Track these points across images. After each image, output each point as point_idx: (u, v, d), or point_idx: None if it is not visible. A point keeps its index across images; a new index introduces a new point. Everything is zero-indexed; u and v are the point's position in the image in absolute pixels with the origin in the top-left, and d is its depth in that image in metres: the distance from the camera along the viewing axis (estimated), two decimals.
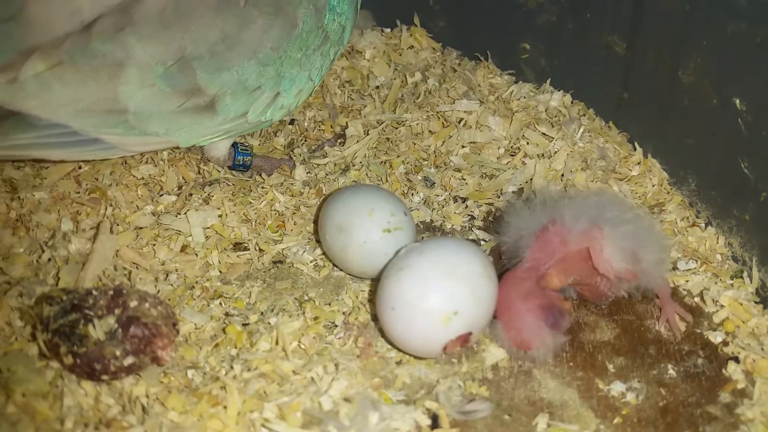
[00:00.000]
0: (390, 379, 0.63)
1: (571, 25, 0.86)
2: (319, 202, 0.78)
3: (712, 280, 0.72)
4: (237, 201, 0.77)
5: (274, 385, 0.61)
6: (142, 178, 0.79)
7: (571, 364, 0.65)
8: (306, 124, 0.89)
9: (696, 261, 0.73)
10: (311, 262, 0.73)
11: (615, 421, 0.61)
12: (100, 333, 0.59)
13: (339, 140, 0.86)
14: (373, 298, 0.69)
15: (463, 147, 0.85)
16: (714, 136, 0.73)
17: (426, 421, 0.60)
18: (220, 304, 0.68)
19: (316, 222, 0.75)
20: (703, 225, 0.76)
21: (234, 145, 0.80)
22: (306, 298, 0.69)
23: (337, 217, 0.69)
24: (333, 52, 0.74)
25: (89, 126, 0.67)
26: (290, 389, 0.61)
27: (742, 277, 0.71)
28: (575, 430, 0.60)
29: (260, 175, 0.82)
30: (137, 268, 0.71)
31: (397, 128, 0.87)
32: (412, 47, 0.98)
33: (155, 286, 0.69)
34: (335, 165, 0.83)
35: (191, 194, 0.78)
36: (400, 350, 0.65)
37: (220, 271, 0.72)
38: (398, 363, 0.65)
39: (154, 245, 0.73)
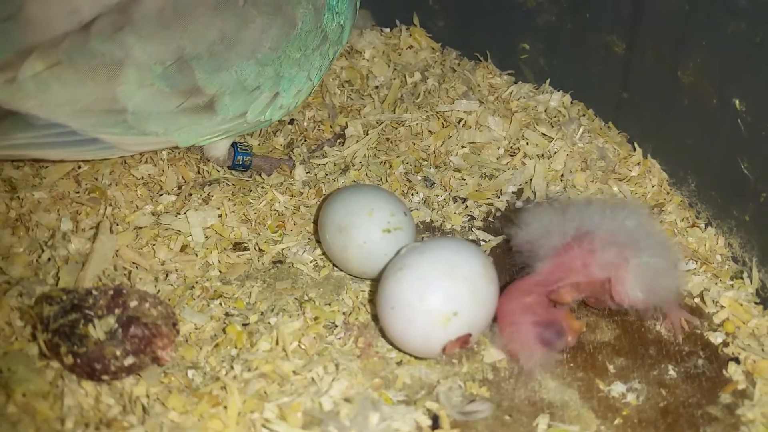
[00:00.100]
0: (390, 380, 0.63)
1: (570, 25, 0.86)
2: (318, 202, 0.78)
3: (712, 280, 0.72)
4: (237, 201, 0.77)
5: (275, 386, 0.61)
6: (142, 178, 0.78)
7: (571, 364, 0.65)
8: (305, 123, 0.89)
9: (696, 262, 0.73)
10: (311, 262, 0.73)
11: (615, 421, 0.61)
12: (100, 333, 0.59)
13: (338, 140, 0.86)
14: (373, 299, 0.69)
15: (462, 147, 0.85)
16: (714, 136, 0.73)
17: (426, 422, 0.60)
18: (220, 304, 0.68)
19: (315, 222, 0.75)
20: (703, 225, 0.76)
21: (233, 144, 0.80)
22: (306, 298, 0.69)
23: (336, 217, 0.69)
24: (332, 51, 0.74)
25: (88, 126, 0.67)
26: (291, 389, 0.61)
27: (742, 278, 0.71)
28: (576, 431, 0.60)
29: (260, 174, 0.81)
30: (137, 267, 0.71)
31: (396, 128, 0.87)
32: (411, 47, 0.98)
33: (155, 286, 0.69)
34: (335, 165, 0.83)
35: (191, 194, 0.78)
36: (400, 350, 0.65)
37: (220, 271, 0.72)
38: (399, 363, 0.65)
39: (153, 245, 0.73)
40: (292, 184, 0.80)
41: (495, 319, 0.65)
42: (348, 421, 0.59)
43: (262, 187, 0.79)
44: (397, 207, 0.70)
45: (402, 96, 0.91)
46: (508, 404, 0.62)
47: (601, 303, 0.67)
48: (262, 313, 0.67)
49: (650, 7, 0.77)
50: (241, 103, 0.70)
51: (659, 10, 0.76)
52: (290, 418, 0.59)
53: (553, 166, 0.82)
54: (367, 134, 0.86)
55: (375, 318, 0.67)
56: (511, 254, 0.71)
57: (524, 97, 0.90)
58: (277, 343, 0.64)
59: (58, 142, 0.67)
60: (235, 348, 0.64)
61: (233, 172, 0.82)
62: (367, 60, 0.96)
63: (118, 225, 0.73)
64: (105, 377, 0.60)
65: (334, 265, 0.73)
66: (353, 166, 0.82)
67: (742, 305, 0.69)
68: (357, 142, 0.85)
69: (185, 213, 0.75)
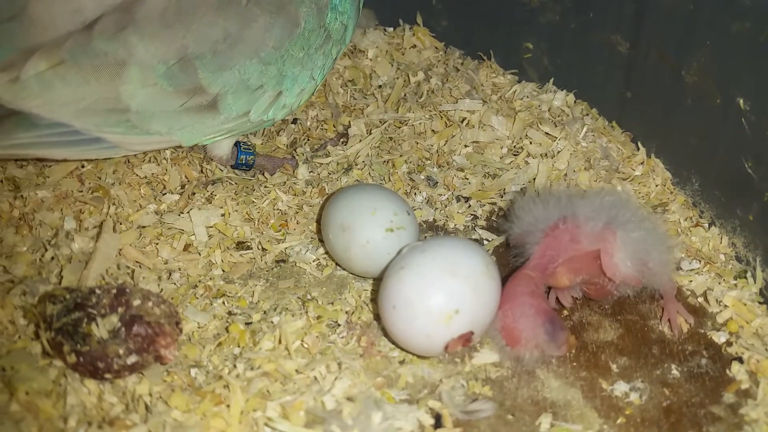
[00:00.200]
0: (393, 379, 0.63)
1: (573, 24, 0.86)
2: (321, 202, 0.78)
3: (715, 280, 0.72)
4: (240, 200, 0.77)
5: (277, 384, 0.61)
6: (145, 177, 0.79)
7: (574, 363, 0.65)
8: (308, 123, 0.89)
9: (699, 261, 0.73)
10: (314, 261, 0.73)
11: (618, 421, 0.61)
12: (103, 332, 0.59)
13: (342, 139, 0.86)
14: (376, 298, 0.69)
15: (465, 146, 0.85)
16: (718, 135, 0.73)
17: (429, 421, 0.60)
18: (223, 303, 0.68)
19: (318, 221, 0.75)
20: (706, 225, 0.76)
21: (237, 144, 0.80)
22: (309, 297, 0.69)
23: (339, 216, 0.69)
24: (335, 51, 0.74)
25: (91, 125, 0.67)
26: (293, 388, 0.61)
27: (745, 277, 0.71)
28: (578, 430, 0.60)
29: (263, 174, 0.82)
30: (140, 266, 0.71)
31: (399, 127, 0.87)
32: (414, 46, 0.98)
33: (158, 285, 0.69)
34: (338, 164, 0.83)
35: (194, 193, 0.78)
36: (402, 349, 0.65)
37: (223, 270, 0.72)
38: (401, 362, 0.65)
39: (157, 244, 0.73)
40: (295, 183, 0.80)
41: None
42: (350, 420, 0.59)
43: (265, 187, 0.79)
44: (400, 206, 0.70)
45: (405, 95, 0.91)
46: (510, 403, 0.62)
47: (601, 291, 0.67)
48: (264, 312, 0.67)
49: (654, 7, 0.77)
50: (244, 102, 0.70)
51: (663, 10, 0.76)
52: (293, 417, 0.59)
53: (557, 165, 0.82)
54: (370, 133, 0.86)
55: (377, 317, 0.67)
56: (510, 251, 0.72)
57: (527, 97, 0.90)
58: (279, 341, 0.65)
59: (62, 142, 0.68)
60: (238, 347, 0.64)
61: (236, 171, 0.82)
62: (371, 59, 0.96)
63: (121, 224, 0.74)
64: (108, 376, 0.60)
65: (336, 264, 0.73)
66: (356, 165, 0.82)
67: (745, 305, 0.69)
68: (360, 141, 0.85)
69: (188, 212, 0.75)
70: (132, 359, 0.60)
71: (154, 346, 0.61)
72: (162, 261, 0.72)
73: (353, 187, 0.73)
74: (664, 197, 0.79)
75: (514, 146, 0.85)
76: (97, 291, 0.62)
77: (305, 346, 0.65)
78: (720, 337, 0.67)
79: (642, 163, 0.83)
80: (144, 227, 0.74)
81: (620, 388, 0.63)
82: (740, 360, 0.65)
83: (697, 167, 0.77)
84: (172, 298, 0.68)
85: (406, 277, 0.61)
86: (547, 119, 0.87)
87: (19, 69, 0.64)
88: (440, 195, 0.80)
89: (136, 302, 0.62)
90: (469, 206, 0.79)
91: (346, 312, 0.68)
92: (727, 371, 0.65)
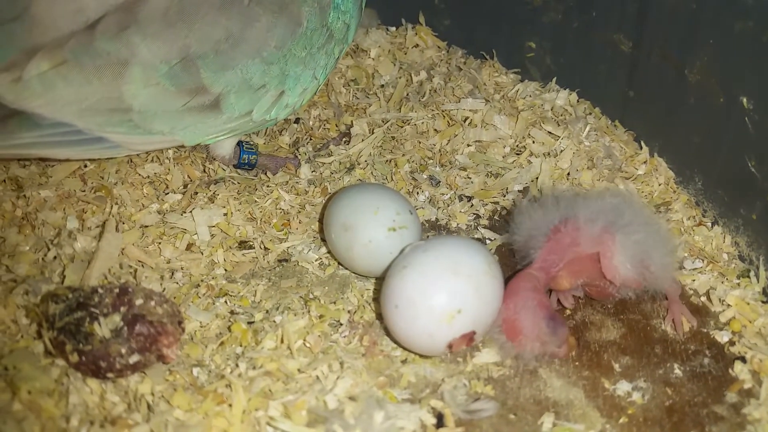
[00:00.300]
0: (395, 378, 0.63)
1: (576, 23, 0.86)
2: (324, 201, 0.78)
3: (718, 279, 0.71)
4: (242, 199, 0.77)
5: (280, 384, 0.61)
6: (148, 177, 0.79)
7: (576, 363, 0.65)
8: (311, 122, 0.89)
9: (702, 260, 0.73)
10: (316, 260, 0.73)
11: (621, 420, 0.61)
12: (105, 331, 0.60)
13: (344, 139, 0.86)
14: (378, 297, 0.69)
15: (468, 146, 0.85)
16: (721, 134, 0.73)
17: (431, 420, 0.60)
18: (226, 302, 0.68)
19: (321, 221, 0.75)
20: (709, 224, 0.76)
21: (239, 143, 0.80)
22: (311, 296, 0.69)
23: (342, 215, 0.69)
24: (338, 50, 0.74)
25: (94, 125, 0.67)
26: (295, 387, 0.61)
27: (748, 277, 0.71)
28: (581, 430, 0.60)
29: (265, 173, 0.82)
30: (143, 266, 0.71)
31: (402, 127, 0.87)
32: (417, 46, 0.98)
33: (161, 284, 0.69)
34: (340, 164, 0.83)
35: (197, 193, 0.78)
36: (404, 348, 0.65)
37: (226, 270, 0.72)
38: (403, 362, 0.65)
39: (159, 243, 0.73)
40: (297, 182, 0.80)
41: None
42: (353, 419, 0.59)
43: (268, 186, 0.79)
44: (403, 206, 0.69)
45: (408, 95, 0.91)
46: (513, 403, 0.62)
47: (602, 292, 0.67)
48: (267, 312, 0.67)
49: (657, 6, 0.77)
50: (246, 101, 0.70)
51: (666, 9, 0.76)
52: (295, 416, 0.59)
53: (560, 164, 0.82)
54: (373, 133, 0.86)
55: (380, 316, 0.67)
56: (516, 256, 0.72)
57: (530, 96, 0.90)
58: (282, 341, 0.65)
59: (64, 141, 0.68)
60: (240, 346, 0.64)
61: (239, 170, 0.82)
62: (373, 59, 0.96)
63: (123, 223, 0.74)
64: (110, 375, 0.60)
65: (339, 263, 0.73)
66: (359, 164, 0.82)
67: (748, 304, 0.69)
68: (362, 140, 0.85)
69: (191, 211, 0.75)
70: (134, 358, 0.60)
71: (157, 345, 0.61)
72: (164, 260, 0.72)
73: (356, 186, 0.73)
74: (667, 196, 0.79)
75: (517, 145, 0.85)
76: (100, 290, 0.62)
77: (307, 345, 0.65)
78: (723, 337, 0.67)
79: (645, 162, 0.82)
80: (146, 227, 0.74)
81: (623, 387, 0.63)
82: (743, 359, 0.65)
83: (700, 166, 0.77)
84: (175, 298, 0.68)
85: (409, 277, 0.61)
86: (550, 118, 0.86)
87: (22, 69, 0.64)
88: (443, 194, 0.80)
89: (139, 301, 0.62)
90: (472, 205, 0.79)
91: (349, 311, 0.68)
92: (730, 371, 0.64)
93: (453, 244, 0.63)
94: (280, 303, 0.68)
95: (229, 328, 0.66)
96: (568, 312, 0.69)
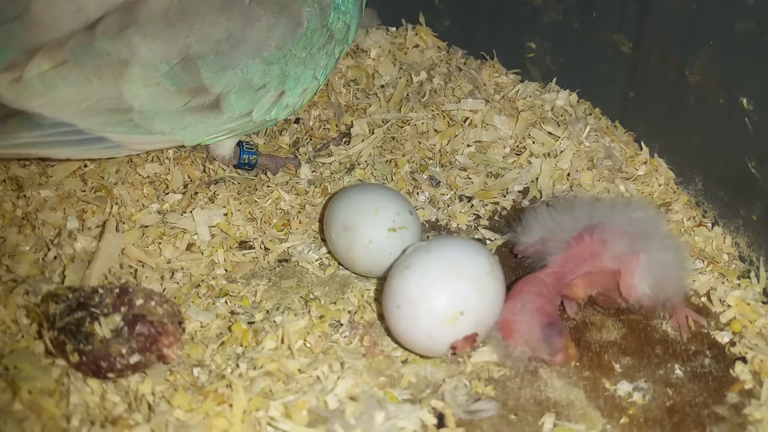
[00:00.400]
0: (396, 378, 0.63)
1: (576, 23, 0.86)
2: (324, 201, 0.78)
3: (719, 280, 0.71)
4: (242, 200, 0.77)
5: (280, 384, 0.61)
6: (148, 177, 0.79)
7: (577, 363, 0.65)
8: (311, 122, 0.89)
9: (703, 261, 0.73)
10: (316, 260, 0.73)
11: (621, 420, 0.61)
12: (106, 331, 0.59)
13: (344, 139, 0.86)
14: (378, 297, 0.69)
15: (468, 146, 0.85)
16: (721, 135, 0.73)
17: (432, 421, 0.60)
18: (226, 302, 0.68)
19: (321, 221, 0.75)
20: (709, 225, 0.76)
21: (239, 143, 0.80)
22: (311, 296, 0.69)
23: (342, 216, 0.69)
24: (338, 50, 0.74)
25: (94, 125, 0.67)
26: (296, 388, 0.61)
27: (749, 277, 0.71)
28: (581, 430, 0.60)
29: (265, 173, 0.82)
30: (143, 266, 0.71)
31: (402, 127, 0.87)
32: (417, 46, 0.98)
33: (161, 285, 0.69)
34: (340, 164, 0.83)
35: (197, 193, 0.78)
36: (405, 349, 0.65)
37: (226, 270, 0.72)
38: (404, 362, 0.65)
39: (159, 243, 0.73)
40: (297, 182, 0.80)
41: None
42: (353, 419, 0.59)
43: (268, 186, 0.79)
44: (403, 206, 0.69)
45: (408, 95, 0.91)
46: (513, 403, 0.62)
47: (610, 301, 0.67)
48: (267, 312, 0.67)
49: (657, 6, 0.77)
50: (246, 101, 0.70)
51: (666, 9, 0.76)
52: (295, 417, 0.59)
53: (560, 165, 0.82)
54: (373, 133, 0.86)
55: (380, 317, 0.67)
56: (515, 257, 0.71)
57: (530, 96, 0.90)
58: (282, 341, 0.64)
59: (64, 141, 0.68)
60: (241, 346, 0.64)
61: (239, 170, 0.82)
62: (373, 59, 0.96)
63: (124, 223, 0.74)
64: (111, 375, 0.60)
65: (339, 263, 0.73)
66: (359, 165, 0.82)
67: (749, 304, 0.69)
68: (362, 141, 0.85)
69: (191, 211, 0.75)
70: (135, 358, 0.60)
71: (157, 345, 0.61)
72: (165, 260, 0.72)
73: (356, 186, 0.73)
74: (667, 197, 0.79)
75: (517, 146, 0.85)
76: (100, 290, 0.62)
77: (308, 345, 0.64)
78: (723, 337, 0.67)
79: (645, 162, 0.82)
80: (147, 227, 0.74)
81: (623, 387, 0.63)
82: (744, 360, 0.65)
83: (701, 167, 0.77)
84: (175, 298, 0.68)
85: (411, 277, 0.61)
86: (550, 119, 0.87)
87: (22, 69, 0.64)
88: (443, 195, 0.80)
89: (139, 301, 0.62)
90: (472, 206, 0.79)
91: (349, 311, 0.68)
92: (731, 371, 0.65)
93: (455, 245, 0.63)
94: (281, 303, 0.68)
95: (229, 329, 0.66)
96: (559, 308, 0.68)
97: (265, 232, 0.75)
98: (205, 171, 0.81)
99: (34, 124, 0.66)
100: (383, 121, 0.87)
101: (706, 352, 0.66)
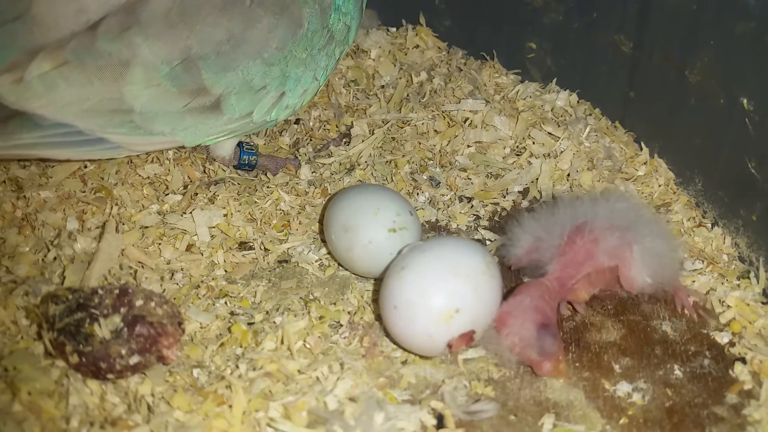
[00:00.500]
0: (395, 379, 0.63)
1: (577, 24, 0.86)
2: (324, 202, 0.78)
3: (718, 280, 0.71)
4: (242, 200, 0.77)
5: (280, 385, 0.61)
6: (148, 178, 0.79)
7: (577, 364, 0.65)
8: (311, 123, 0.89)
9: (702, 261, 0.73)
10: (316, 261, 0.73)
11: (621, 421, 0.61)
12: (105, 332, 0.60)
13: (344, 140, 0.86)
14: (378, 298, 0.69)
15: (468, 146, 0.85)
16: (721, 136, 0.73)
17: (431, 421, 0.60)
18: (226, 303, 0.68)
19: (321, 221, 0.75)
20: (709, 225, 0.76)
21: (239, 144, 0.80)
22: (311, 297, 0.69)
23: (342, 216, 0.69)
24: (338, 51, 0.74)
25: (95, 126, 0.67)
26: (295, 388, 0.61)
27: (748, 278, 0.71)
28: (581, 431, 0.60)
29: (265, 174, 0.82)
30: (143, 267, 0.71)
31: (402, 128, 0.87)
32: (417, 47, 0.98)
33: (161, 285, 0.69)
34: (340, 164, 0.83)
35: (197, 193, 0.78)
36: (404, 349, 0.65)
37: (226, 271, 0.72)
38: (403, 363, 0.65)
39: (159, 244, 0.73)
40: (297, 183, 0.80)
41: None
42: (353, 420, 0.59)
43: (268, 187, 0.79)
44: (403, 206, 0.70)
45: (408, 95, 0.91)
46: (513, 404, 0.62)
47: (611, 295, 0.68)
48: (267, 313, 0.67)
49: (658, 7, 0.77)
50: (247, 102, 0.70)
51: (667, 10, 0.76)
52: (295, 417, 0.59)
53: (560, 165, 0.82)
54: (373, 134, 0.86)
55: (380, 317, 0.67)
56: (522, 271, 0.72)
57: (530, 97, 0.90)
58: (282, 342, 0.64)
59: (65, 142, 0.68)
60: (241, 347, 0.64)
61: (239, 171, 0.82)
62: (373, 59, 0.96)
63: (124, 224, 0.74)
64: (110, 376, 0.60)
65: (339, 264, 0.73)
66: (359, 165, 0.82)
67: (748, 305, 0.69)
68: (362, 141, 0.85)
69: (191, 212, 0.75)
70: (134, 359, 0.60)
71: (157, 346, 0.61)
72: (164, 261, 0.72)
73: (356, 187, 0.73)
74: (667, 197, 0.79)
75: (517, 146, 0.85)
76: (100, 291, 0.62)
77: (307, 346, 0.65)
78: (723, 338, 0.67)
79: (645, 163, 0.82)
80: (146, 227, 0.74)
81: (623, 388, 0.63)
82: (743, 360, 0.65)
83: (701, 167, 0.77)
84: (175, 299, 0.68)
85: (407, 277, 0.61)
86: (550, 119, 0.86)
87: (23, 69, 0.64)
88: (443, 195, 0.80)
89: (139, 302, 0.62)
90: (472, 206, 0.79)
91: (349, 312, 0.68)
92: (730, 372, 0.64)
93: (451, 245, 0.63)
94: (280, 304, 0.68)
95: (229, 329, 0.66)
96: (568, 312, 0.69)
97: (265, 233, 0.75)
98: (205, 172, 0.81)
99: (34, 125, 0.66)
100: (383, 122, 0.87)
101: (705, 352, 0.66)
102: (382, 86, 0.93)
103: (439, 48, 0.98)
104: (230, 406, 0.59)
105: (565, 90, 0.90)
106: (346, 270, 0.72)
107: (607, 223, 0.66)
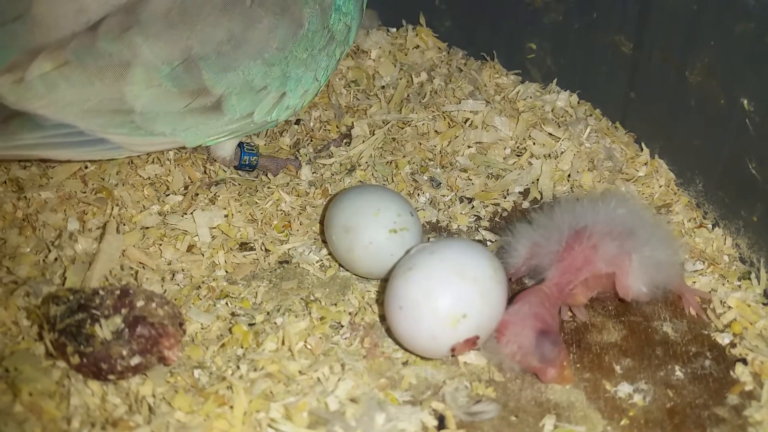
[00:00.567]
0: (396, 380, 0.63)
1: (577, 24, 0.86)
2: (325, 203, 0.78)
3: (719, 281, 0.71)
4: (243, 201, 0.77)
5: (281, 385, 0.61)
6: (149, 178, 0.79)
7: (578, 365, 0.65)
8: (312, 124, 0.89)
9: (703, 262, 0.73)
10: (317, 262, 0.73)
11: (622, 422, 0.61)
12: (106, 333, 0.59)
13: (345, 140, 0.86)
14: (379, 299, 0.69)
15: (469, 147, 0.85)
16: (721, 136, 0.73)
17: (432, 422, 0.60)
18: (227, 303, 0.68)
19: (322, 222, 0.75)
20: (710, 226, 0.76)
21: (240, 145, 0.80)
22: (312, 298, 0.69)
23: (343, 217, 0.69)
24: (339, 52, 0.74)
25: (95, 126, 0.67)
26: (296, 389, 0.61)
27: (749, 279, 0.71)
28: None
29: (266, 175, 0.82)
30: (144, 267, 0.71)
31: (402, 128, 0.87)
32: (417, 47, 0.98)
33: (162, 286, 0.69)
34: (341, 165, 0.83)
35: (197, 194, 0.78)
36: (406, 350, 0.65)
37: (227, 271, 0.72)
38: (404, 363, 0.65)
39: (160, 245, 0.73)
40: (298, 184, 0.80)
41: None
42: (354, 421, 0.59)
43: (269, 188, 0.79)
44: (404, 207, 0.69)
45: (408, 96, 0.91)
46: (514, 405, 0.62)
47: (609, 297, 0.68)
48: (268, 313, 0.67)
49: (658, 7, 0.77)
50: (248, 103, 0.70)
51: (667, 10, 0.76)
52: (296, 418, 0.59)
53: (560, 166, 0.82)
54: (374, 134, 0.86)
55: (381, 318, 0.67)
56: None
57: (531, 97, 0.90)
58: (283, 343, 0.64)
59: (66, 143, 0.68)
60: (241, 348, 0.64)
61: (239, 172, 0.82)
62: (374, 60, 0.96)
63: (124, 225, 0.74)
64: (111, 377, 0.60)
65: (340, 265, 0.73)
66: (359, 166, 0.82)
67: (749, 306, 0.69)
68: (363, 142, 0.85)
69: (192, 213, 0.75)
70: (135, 360, 0.60)
71: (158, 347, 0.61)
72: (165, 262, 0.72)
73: (356, 188, 0.73)
74: (668, 198, 0.79)
75: (518, 147, 0.85)
76: (101, 292, 0.62)
77: (308, 347, 0.65)
78: (724, 339, 0.67)
79: (645, 163, 0.82)
80: (147, 228, 0.74)
81: (624, 389, 0.63)
82: (744, 361, 0.65)
83: (701, 168, 0.77)
84: (176, 299, 0.68)
85: (414, 278, 0.61)
86: (551, 120, 0.87)
87: (24, 70, 0.64)
88: (443, 196, 0.80)
89: (140, 303, 0.62)
90: (473, 207, 0.79)
91: (350, 313, 0.68)
92: (731, 373, 0.65)
93: (459, 247, 0.63)
94: (281, 305, 0.68)
95: (230, 330, 0.66)
96: (569, 314, 0.69)
97: (265, 234, 0.75)
98: (205, 172, 0.81)
99: (35, 126, 0.66)
100: (384, 122, 0.87)
101: (706, 353, 0.66)
102: (383, 87, 0.93)
103: (439, 48, 0.98)
104: (231, 407, 0.59)
105: (565, 90, 0.90)
106: (347, 271, 0.72)
107: (607, 228, 0.66)
